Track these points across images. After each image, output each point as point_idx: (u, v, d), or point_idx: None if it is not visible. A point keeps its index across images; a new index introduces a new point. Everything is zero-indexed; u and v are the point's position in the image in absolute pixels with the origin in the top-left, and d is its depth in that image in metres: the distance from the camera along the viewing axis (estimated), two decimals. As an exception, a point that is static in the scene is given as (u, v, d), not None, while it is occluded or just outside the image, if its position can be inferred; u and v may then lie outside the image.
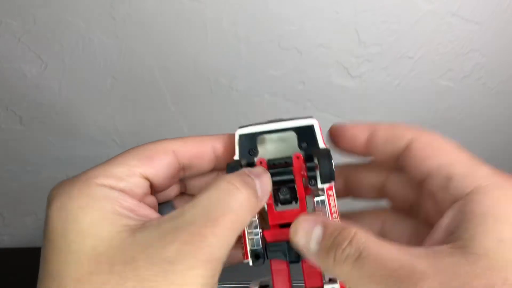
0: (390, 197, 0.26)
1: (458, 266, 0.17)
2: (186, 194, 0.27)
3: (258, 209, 0.21)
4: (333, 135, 0.24)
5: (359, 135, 0.24)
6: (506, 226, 0.18)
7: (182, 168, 0.24)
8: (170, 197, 0.26)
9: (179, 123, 0.57)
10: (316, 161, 0.22)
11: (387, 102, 0.57)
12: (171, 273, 0.17)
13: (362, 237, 0.19)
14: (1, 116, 0.55)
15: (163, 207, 0.26)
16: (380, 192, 0.26)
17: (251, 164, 0.23)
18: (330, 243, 0.19)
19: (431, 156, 0.22)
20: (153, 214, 0.21)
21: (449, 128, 0.60)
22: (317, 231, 0.20)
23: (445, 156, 0.21)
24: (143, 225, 0.19)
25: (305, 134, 0.23)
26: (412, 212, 0.25)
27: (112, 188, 0.20)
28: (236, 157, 0.24)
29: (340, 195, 0.24)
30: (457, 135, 0.61)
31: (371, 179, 0.26)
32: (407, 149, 0.22)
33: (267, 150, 0.25)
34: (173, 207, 0.26)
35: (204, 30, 0.51)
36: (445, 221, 0.20)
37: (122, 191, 0.21)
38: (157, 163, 0.23)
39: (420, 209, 0.24)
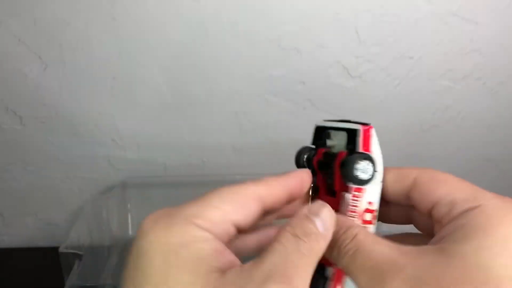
0: (415, 224, 0.28)
1: (433, 263, 0.19)
2: None
3: (327, 241, 0.23)
4: None
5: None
6: (489, 237, 0.20)
7: (265, 211, 0.25)
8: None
9: (179, 123, 0.57)
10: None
11: (387, 102, 0.57)
12: None
13: (362, 236, 0.22)
14: (1, 116, 0.55)
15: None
16: (407, 220, 0.28)
17: (312, 152, 0.27)
18: (336, 238, 0.23)
19: (436, 187, 0.24)
20: (236, 260, 0.22)
21: (449, 128, 0.60)
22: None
23: (448, 186, 0.24)
24: (231, 268, 0.20)
25: (352, 137, 0.26)
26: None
27: (209, 232, 0.21)
28: (309, 143, 0.28)
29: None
30: (457, 135, 0.61)
31: (396, 209, 0.28)
32: (414, 185, 0.25)
33: (334, 143, 0.28)
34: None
35: (204, 30, 0.51)
36: (440, 231, 0.22)
37: (215, 235, 0.22)
38: (248, 211, 0.24)
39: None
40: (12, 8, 0.48)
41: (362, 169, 0.24)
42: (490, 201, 0.21)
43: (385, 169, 0.26)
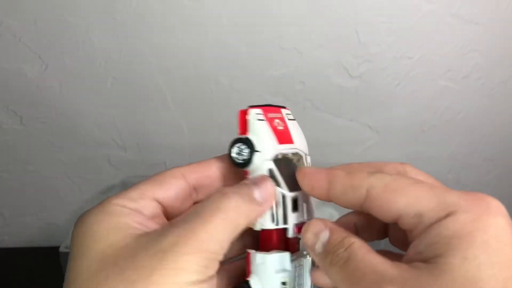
0: (390, 237, 0.28)
1: (421, 278, 0.19)
2: None
3: (259, 212, 0.24)
4: (299, 179, 0.26)
5: (320, 184, 0.25)
6: (470, 246, 0.19)
7: (194, 189, 0.26)
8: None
9: (179, 123, 0.57)
10: None
11: (387, 102, 0.57)
12: (165, 259, 0.20)
13: (356, 246, 0.22)
14: (2, 116, 0.55)
15: None
16: (382, 235, 0.28)
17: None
18: (332, 247, 0.22)
19: (394, 200, 0.22)
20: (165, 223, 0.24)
21: (449, 128, 0.60)
22: (324, 236, 0.23)
23: (407, 196, 0.22)
24: (148, 231, 0.22)
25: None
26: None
27: (124, 207, 0.23)
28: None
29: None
30: (457, 135, 0.61)
31: (371, 224, 0.27)
32: (368, 197, 0.23)
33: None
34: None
35: (204, 30, 0.51)
36: (416, 243, 0.21)
37: (133, 210, 0.24)
38: (167, 186, 0.25)
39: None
40: (12, 8, 0.48)
41: (238, 151, 0.26)
42: (459, 206, 0.20)
43: (333, 173, 0.24)
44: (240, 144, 0.26)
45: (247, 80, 0.54)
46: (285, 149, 0.26)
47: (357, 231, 0.27)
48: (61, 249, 0.48)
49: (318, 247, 0.23)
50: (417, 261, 0.20)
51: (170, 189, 0.25)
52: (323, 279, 0.25)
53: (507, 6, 0.52)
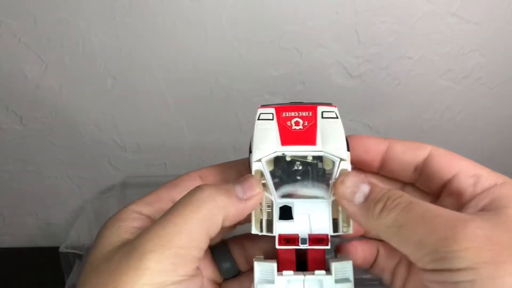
0: None
1: (497, 225, 0.19)
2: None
3: (240, 208, 0.23)
4: (352, 145, 0.26)
5: (378, 146, 0.25)
6: None
7: None
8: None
9: (179, 123, 0.57)
10: None
11: (387, 102, 0.57)
12: (131, 259, 0.19)
13: (407, 195, 0.21)
14: (2, 116, 0.55)
15: (217, 249, 0.28)
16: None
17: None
18: (380, 196, 0.21)
19: (456, 160, 0.24)
20: None
21: (449, 128, 0.60)
22: (365, 188, 0.22)
23: (468, 161, 0.24)
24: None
25: None
26: None
27: (140, 213, 0.24)
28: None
29: None
30: (457, 135, 0.61)
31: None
32: (429, 157, 0.24)
33: None
34: (226, 249, 0.28)
35: (204, 30, 0.51)
36: (475, 201, 0.22)
37: (148, 216, 0.24)
38: (183, 188, 0.25)
39: None
40: (12, 8, 0.48)
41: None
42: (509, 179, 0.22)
43: (393, 138, 0.25)
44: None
45: (247, 80, 0.54)
46: (295, 150, 0.24)
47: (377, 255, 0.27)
48: (61, 249, 0.48)
49: (359, 197, 0.22)
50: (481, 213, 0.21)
51: (186, 189, 0.24)
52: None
53: (507, 6, 0.52)
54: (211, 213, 0.21)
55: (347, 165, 0.24)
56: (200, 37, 0.51)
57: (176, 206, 0.21)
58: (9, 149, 0.58)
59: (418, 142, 0.25)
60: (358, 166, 0.26)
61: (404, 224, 0.19)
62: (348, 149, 0.25)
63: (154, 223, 0.21)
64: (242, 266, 0.28)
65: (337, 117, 0.25)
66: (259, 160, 0.24)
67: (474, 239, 0.17)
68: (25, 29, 0.50)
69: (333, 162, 0.24)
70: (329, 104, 0.26)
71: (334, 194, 0.23)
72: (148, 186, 0.60)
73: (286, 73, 0.54)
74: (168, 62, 0.53)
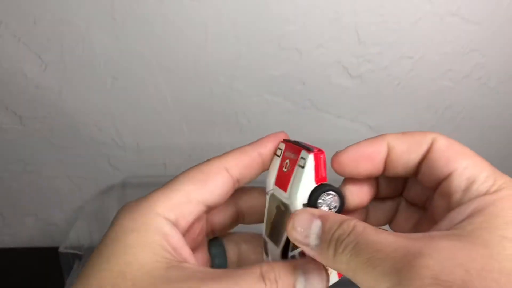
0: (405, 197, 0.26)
1: (454, 249, 0.17)
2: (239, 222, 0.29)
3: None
4: (344, 161, 0.23)
5: (378, 153, 0.23)
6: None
7: (237, 181, 0.25)
8: (223, 226, 0.28)
9: (179, 123, 0.57)
10: None
11: (387, 102, 0.57)
12: None
13: (360, 227, 0.19)
14: (1, 116, 0.55)
15: (213, 244, 0.28)
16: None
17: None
18: (330, 237, 0.20)
19: (453, 158, 0.21)
20: (191, 259, 0.23)
21: (449, 128, 0.60)
22: (315, 227, 0.20)
23: (469, 159, 0.21)
24: (178, 265, 0.21)
25: None
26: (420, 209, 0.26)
27: (167, 219, 0.22)
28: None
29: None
30: (457, 135, 0.61)
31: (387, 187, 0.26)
32: (430, 150, 0.22)
33: None
34: (222, 246, 0.28)
35: (204, 30, 0.51)
36: (453, 214, 0.20)
37: (175, 222, 0.22)
38: (212, 186, 0.24)
39: (428, 211, 0.24)
40: (12, 8, 0.48)
41: None
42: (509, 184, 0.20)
43: (388, 136, 0.23)
44: None
45: (247, 80, 0.54)
46: (278, 193, 0.24)
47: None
48: (61, 249, 0.48)
49: (312, 239, 0.20)
50: (453, 229, 0.19)
51: (216, 187, 0.24)
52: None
53: (507, 6, 0.52)
54: None
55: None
56: (200, 37, 0.51)
57: (231, 286, 0.20)
58: (9, 149, 0.58)
59: (419, 134, 0.23)
60: (362, 178, 0.24)
61: (356, 269, 0.18)
62: (343, 203, 0.23)
63: (205, 282, 0.20)
64: (231, 265, 0.28)
65: (303, 167, 0.23)
66: (267, 193, 0.25)
67: (419, 285, 0.16)
68: (25, 29, 0.50)
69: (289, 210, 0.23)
70: (309, 150, 0.23)
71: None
72: (148, 186, 0.60)
73: (286, 73, 0.54)
74: (168, 62, 0.53)
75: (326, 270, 0.22)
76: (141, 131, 0.57)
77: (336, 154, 0.24)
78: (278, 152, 0.25)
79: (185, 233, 0.24)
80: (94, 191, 0.62)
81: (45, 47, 0.51)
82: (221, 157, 0.25)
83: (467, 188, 0.20)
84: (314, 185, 0.23)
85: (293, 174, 0.23)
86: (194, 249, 0.26)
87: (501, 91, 0.58)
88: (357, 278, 0.19)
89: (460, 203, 0.20)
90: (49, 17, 0.49)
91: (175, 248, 0.22)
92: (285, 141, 0.26)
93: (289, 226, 0.21)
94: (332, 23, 0.51)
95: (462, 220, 0.19)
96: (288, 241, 0.23)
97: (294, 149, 0.24)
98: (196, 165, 0.25)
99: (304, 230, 0.21)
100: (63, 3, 0.48)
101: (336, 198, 0.23)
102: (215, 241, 0.29)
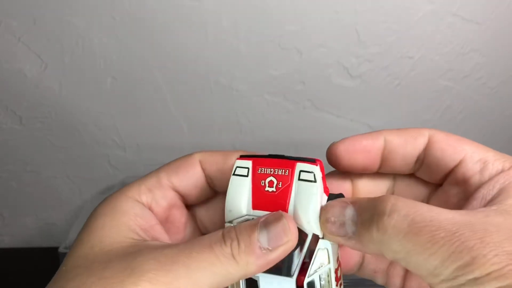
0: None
1: (510, 224, 0.17)
2: None
3: (260, 262, 0.19)
4: (340, 153, 0.22)
5: (374, 145, 0.22)
6: None
7: (210, 179, 0.25)
8: (214, 222, 0.27)
9: (179, 123, 0.57)
10: None
11: (387, 102, 0.57)
12: (131, 276, 0.18)
13: (407, 202, 0.18)
14: (1, 116, 0.55)
15: None
16: None
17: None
18: (369, 215, 0.18)
19: (458, 145, 0.22)
20: (164, 239, 0.23)
21: (449, 128, 0.60)
22: (350, 212, 0.19)
23: (471, 145, 0.22)
24: (142, 243, 0.21)
25: None
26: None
27: (138, 201, 0.23)
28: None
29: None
30: (457, 135, 0.61)
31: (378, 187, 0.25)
32: (429, 143, 0.22)
33: None
34: None
35: (204, 30, 0.51)
36: (482, 192, 0.20)
37: (147, 205, 0.23)
38: (183, 174, 0.24)
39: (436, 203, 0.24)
40: (12, 8, 0.48)
41: None
42: None
43: (386, 130, 0.23)
44: None
45: (247, 80, 0.54)
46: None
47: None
48: (61, 250, 0.48)
49: (350, 228, 0.19)
50: (490, 206, 0.19)
51: (186, 176, 0.24)
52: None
53: (507, 6, 0.52)
54: (227, 272, 0.19)
55: (325, 244, 0.21)
56: (200, 37, 0.51)
57: (192, 247, 0.19)
58: (9, 149, 0.58)
59: (415, 129, 0.23)
60: (358, 171, 0.24)
61: (411, 252, 0.17)
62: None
63: (164, 248, 0.19)
64: None
65: (314, 181, 0.20)
66: (231, 222, 0.21)
67: (496, 261, 0.15)
68: (25, 29, 0.50)
69: (306, 236, 0.20)
70: (311, 161, 0.21)
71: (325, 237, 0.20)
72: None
73: (286, 73, 0.54)
74: (168, 62, 0.53)
75: (292, 221, 0.20)
76: (141, 131, 0.57)
77: (332, 145, 0.23)
78: (241, 171, 0.22)
79: (165, 221, 0.24)
80: (94, 191, 0.62)
81: (45, 47, 0.51)
82: (201, 151, 0.25)
83: (482, 169, 0.21)
84: (325, 197, 0.21)
85: (293, 192, 0.21)
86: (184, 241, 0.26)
87: (501, 91, 0.58)
88: (412, 262, 0.17)
89: (480, 184, 0.20)
90: (49, 17, 0.49)
91: (144, 228, 0.22)
92: (245, 157, 0.22)
93: (322, 220, 0.20)
94: (332, 23, 0.51)
95: (494, 198, 0.19)
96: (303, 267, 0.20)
97: (279, 164, 0.21)
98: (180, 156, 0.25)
99: (338, 219, 0.19)
100: (63, 3, 0.48)
101: None
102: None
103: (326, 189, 0.21)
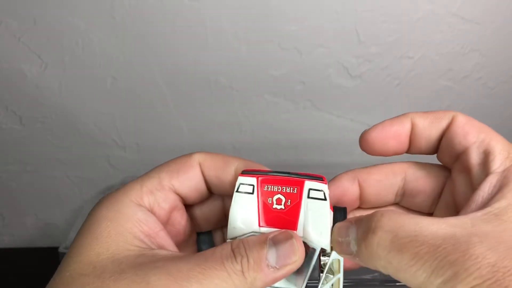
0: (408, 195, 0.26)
1: (500, 232, 0.17)
2: None
3: (269, 278, 0.20)
4: (373, 139, 0.23)
5: (404, 128, 0.24)
6: None
7: (208, 183, 0.25)
8: (210, 222, 0.27)
9: (179, 123, 0.57)
10: None
11: (387, 102, 0.57)
12: None
13: (392, 218, 0.18)
14: (1, 116, 0.55)
15: (202, 238, 0.27)
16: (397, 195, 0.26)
17: None
18: (361, 233, 0.19)
19: (471, 132, 0.22)
20: (169, 245, 0.23)
21: (449, 128, 0.60)
22: (352, 230, 0.20)
23: (485, 133, 0.22)
24: (149, 252, 0.21)
25: None
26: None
27: (140, 205, 0.22)
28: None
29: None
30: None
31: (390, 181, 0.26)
32: (450, 125, 0.23)
33: None
34: (210, 240, 0.27)
35: (204, 30, 0.51)
36: (481, 193, 0.20)
37: (150, 208, 0.23)
38: (183, 176, 0.24)
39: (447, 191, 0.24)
40: (12, 8, 0.48)
41: None
42: None
43: (412, 113, 0.24)
44: None
45: (247, 80, 0.54)
46: None
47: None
48: (61, 250, 0.48)
49: (353, 247, 0.19)
50: (487, 207, 0.18)
51: (186, 178, 0.24)
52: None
53: (507, 6, 0.52)
54: (235, 286, 0.19)
55: (338, 255, 0.21)
56: (200, 37, 0.51)
57: (205, 263, 0.19)
58: (9, 149, 0.58)
59: (441, 111, 0.24)
60: (390, 155, 0.25)
61: (399, 267, 0.17)
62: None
63: (177, 262, 0.19)
64: None
65: (325, 199, 0.21)
66: (234, 239, 0.21)
67: (478, 274, 0.15)
68: (25, 29, 0.50)
69: (314, 250, 0.21)
70: (319, 179, 0.21)
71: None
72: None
73: (286, 73, 0.54)
74: (168, 62, 0.53)
75: (300, 241, 0.20)
76: (141, 131, 0.57)
77: (365, 133, 0.24)
78: (245, 189, 0.22)
79: (166, 223, 0.24)
80: (94, 191, 0.62)
81: (45, 47, 0.51)
82: (201, 152, 0.25)
83: (485, 162, 0.21)
84: (331, 212, 0.21)
85: (303, 209, 0.21)
86: (182, 243, 0.26)
87: (501, 91, 0.58)
88: (401, 277, 0.17)
89: (481, 178, 0.20)
90: (49, 17, 0.49)
91: (149, 235, 0.22)
92: (248, 173, 0.22)
93: (332, 240, 0.21)
94: (332, 23, 0.51)
95: (492, 197, 0.19)
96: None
97: (286, 181, 0.21)
98: (179, 156, 0.25)
99: (344, 239, 0.20)
100: (63, 3, 0.48)
101: None
102: (204, 235, 0.28)
103: (330, 205, 0.22)
